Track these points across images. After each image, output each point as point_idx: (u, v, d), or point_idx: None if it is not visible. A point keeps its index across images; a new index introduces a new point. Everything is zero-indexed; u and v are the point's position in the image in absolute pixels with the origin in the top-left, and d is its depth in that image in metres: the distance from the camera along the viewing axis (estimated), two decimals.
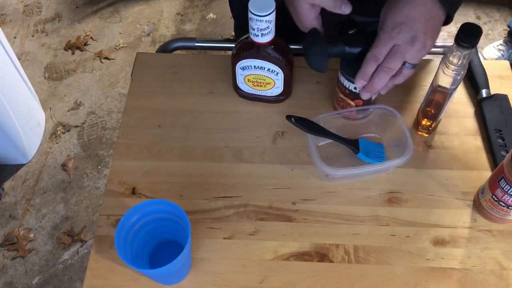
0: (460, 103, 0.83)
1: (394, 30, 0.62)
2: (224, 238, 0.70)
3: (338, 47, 0.68)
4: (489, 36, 2.07)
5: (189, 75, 0.88)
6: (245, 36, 0.73)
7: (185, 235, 0.60)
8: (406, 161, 0.70)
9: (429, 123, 0.77)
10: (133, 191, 0.74)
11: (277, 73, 0.76)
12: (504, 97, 0.81)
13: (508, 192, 0.63)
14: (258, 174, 0.76)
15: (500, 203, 0.66)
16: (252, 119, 0.82)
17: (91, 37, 2.14)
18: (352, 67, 0.70)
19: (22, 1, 2.31)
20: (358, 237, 0.70)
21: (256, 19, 0.67)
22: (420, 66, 0.88)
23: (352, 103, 0.76)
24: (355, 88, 0.73)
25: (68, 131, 1.85)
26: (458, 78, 0.67)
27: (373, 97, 0.76)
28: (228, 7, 1.01)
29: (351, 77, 0.71)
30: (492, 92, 0.82)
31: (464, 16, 2.16)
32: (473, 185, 0.74)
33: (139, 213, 0.63)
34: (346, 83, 0.73)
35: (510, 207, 0.65)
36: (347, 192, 0.74)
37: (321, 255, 0.68)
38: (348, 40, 0.68)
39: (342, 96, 0.76)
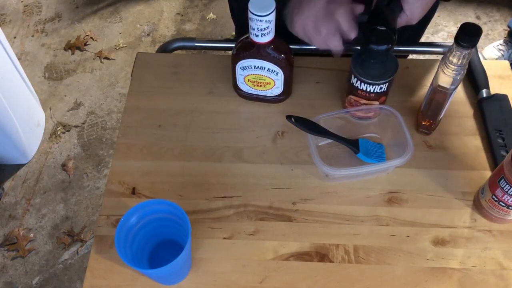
0: (460, 103, 0.83)
1: None
2: (224, 238, 0.70)
3: None
4: (489, 36, 2.07)
5: (189, 75, 0.88)
6: (245, 36, 0.73)
7: (185, 235, 0.60)
8: (406, 161, 0.70)
9: (429, 123, 0.77)
10: (133, 191, 0.74)
11: (277, 73, 0.76)
12: (504, 97, 0.81)
13: (508, 192, 0.63)
14: (258, 174, 0.76)
15: (500, 203, 0.66)
16: (252, 119, 0.82)
17: (91, 37, 2.14)
18: (364, 67, 0.71)
19: (22, 1, 2.31)
20: (358, 237, 0.70)
21: (256, 19, 0.67)
22: (420, 66, 0.88)
23: (366, 102, 0.76)
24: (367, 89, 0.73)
25: (68, 131, 1.85)
26: (458, 78, 0.67)
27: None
28: (228, 7, 1.01)
29: (363, 77, 0.71)
30: (492, 92, 0.82)
31: (464, 16, 2.16)
32: (473, 185, 0.74)
33: (139, 213, 0.63)
34: (359, 84, 0.73)
35: (510, 207, 0.65)
36: (347, 192, 0.74)
37: (321, 255, 0.68)
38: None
39: (353, 98, 0.76)
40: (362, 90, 0.73)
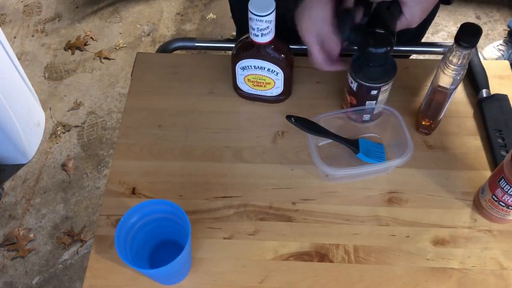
0: (460, 103, 0.83)
1: None
2: (224, 238, 0.70)
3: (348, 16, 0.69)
4: (489, 36, 2.07)
5: (189, 75, 0.88)
6: (245, 36, 0.73)
7: (185, 235, 0.60)
8: (406, 161, 0.70)
9: (429, 123, 0.77)
10: (133, 191, 0.74)
11: (277, 73, 0.76)
12: (504, 97, 0.81)
13: (508, 192, 0.63)
14: (258, 174, 0.76)
15: (500, 203, 0.66)
16: (252, 119, 0.82)
17: (91, 37, 2.14)
18: (361, 68, 0.70)
19: (22, 1, 2.31)
20: (358, 237, 0.70)
21: (256, 19, 0.67)
22: (420, 66, 0.88)
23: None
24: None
25: (68, 131, 1.85)
26: (458, 78, 0.67)
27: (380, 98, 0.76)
28: (228, 7, 1.01)
29: (359, 78, 0.71)
30: (492, 92, 0.82)
31: (464, 16, 2.16)
32: (473, 185, 0.74)
33: (139, 213, 0.63)
34: (355, 86, 0.73)
35: (510, 207, 0.65)
36: (347, 192, 0.74)
37: (321, 255, 0.68)
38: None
39: (350, 98, 0.76)
40: (357, 91, 0.73)
